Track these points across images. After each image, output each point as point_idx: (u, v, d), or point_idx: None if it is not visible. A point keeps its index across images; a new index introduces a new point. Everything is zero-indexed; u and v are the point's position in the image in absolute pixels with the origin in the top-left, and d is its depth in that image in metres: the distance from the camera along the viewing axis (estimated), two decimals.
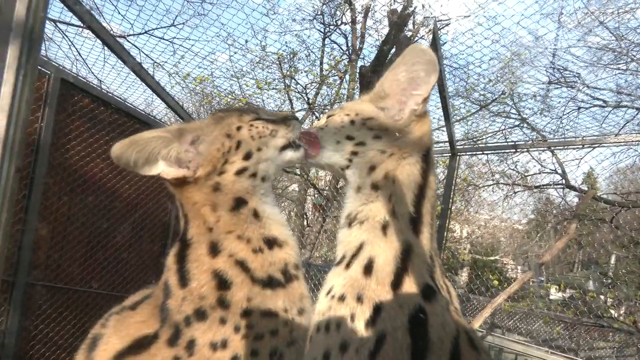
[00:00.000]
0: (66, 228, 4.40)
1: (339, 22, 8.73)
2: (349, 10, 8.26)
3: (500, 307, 4.90)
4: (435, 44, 3.46)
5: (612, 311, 7.54)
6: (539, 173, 7.91)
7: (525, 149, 5.01)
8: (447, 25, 4.87)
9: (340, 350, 0.91)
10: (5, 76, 1.05)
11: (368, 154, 1.12)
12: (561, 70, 7.17)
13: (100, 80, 5.72)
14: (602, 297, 8.40)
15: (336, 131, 1.16)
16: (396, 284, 0.96)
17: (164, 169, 1.12)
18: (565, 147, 4.85)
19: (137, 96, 5.55)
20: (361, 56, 8.55)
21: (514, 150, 5.04)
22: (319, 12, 8.16)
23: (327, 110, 9.07)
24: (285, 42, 8.36)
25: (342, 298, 0.97)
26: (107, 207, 4.73)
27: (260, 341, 1.05)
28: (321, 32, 8.79)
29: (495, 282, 6.48)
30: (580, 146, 4.54)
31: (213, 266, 1.08)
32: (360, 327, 0.92)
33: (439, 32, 3.67)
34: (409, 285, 0.96)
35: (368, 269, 0.99)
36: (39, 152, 4.04)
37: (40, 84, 4.06)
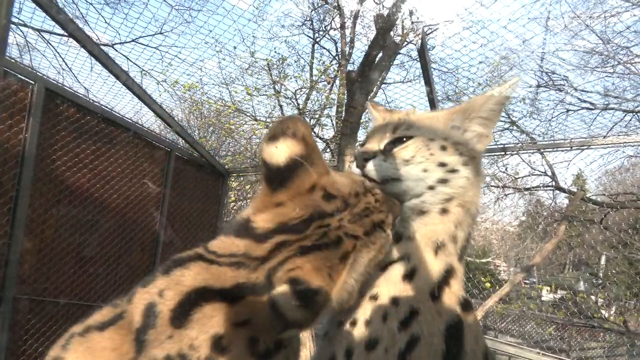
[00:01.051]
0: (54, 240, 4.33)
1: (328, 28, 8.75)
2: (338, 16, 8.29)
3: (492, 310, 4.91)
4: (423, 50, 3.46)
5: (603, 311, 7.59)
6: (529, 175, 7.97)
7: (515, 152, 5.04)
8: (435, 30, 4.89)
9: (366, 349, 0.89)
10: None
11: (459, 181, 1.03)
12: (549, 74, 7.24)
13: (87, 89, 5.67)
14: (592, 297, 8.47)
15: (424, 160, 1.03)
16: (435, 294, 0.95)
17: None
18: (555, 149, 4.89)
19: (124, 104, 5.49)
20: (351, 61, 8.57)
21: (503, 153, 5.07)
22: (308, 18, 8.17)
23: (316, 116, 9.06)
24: (274, 48, 8.37)
25: (374, 297, 0.95)
26: (96, 218, 4.66)
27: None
28: (310, 37, 8.80)
29: (487, 285, 6.49)
30: (569, 148, 4.57)
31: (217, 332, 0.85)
32: (392, 326, 0.90)
33: (427, 36, 3.68)
34: (448, 297, 0.95)
35: (409, 276, 0.96)
36: (24, 163, 3.98)
37: (24, 94, 4.00)
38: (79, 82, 5.62)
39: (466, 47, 4.52)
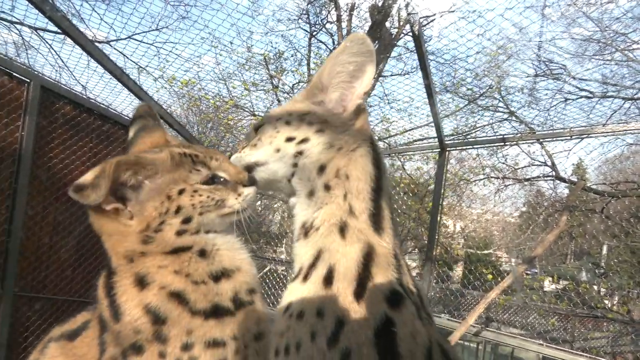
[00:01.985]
0: (52, 238, 4.33)
1: (325, 21, 8.70)
2: (333, 9, 8.23)
3: (495, 301, 4.90)
4: (419, 40, 3.43)
5: (606, 301, 7.59)
6: (529, 166, 7.94)
7: (514, 142, 5.02)
8: (431, 20, 4.85)
9: None
10: None
11: (314, 150, 1.02)
12: (547, 63, 7.19)
13: (84, 87, 5.64)
14: (595, 287, 8.46)
15: (272, 139, 1.07)
16: (359, 292, 0.86)
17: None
18: (554, 138, 4.86)
19: (120, 101, 5.47)
20: None
21: (503, 144, 5.04)
22: (304, 12, 8.12)
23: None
24: (271, 43, 8.31)
25: (300, 315, 0.87)
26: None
27: None
28: (307, 31, 8.75)
29: (490, 277, 6.47)
30: (569, 137, 4.54)
31: (143, 300, 1.00)
32: (322, 345, 0.82)
33: (423, 27, 3.65)
34: (374, 293, 0.87)
35: (328, 279, 0.89)
36: (21, 161, 3.97)
37: (20, 92, 3.99)
38: (75, 79, 5.60)
39: (463, 37, 4.48)
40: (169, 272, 1.03)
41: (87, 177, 0.95)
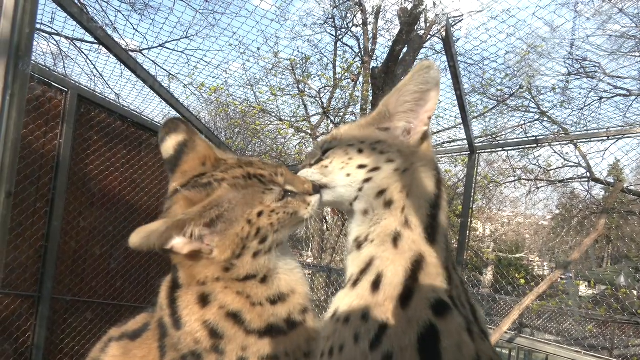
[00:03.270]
0: (88, 242, 4.46)
1: (350, 25, 8.70)
2: (359, 12, 8.23)
3: (528, 307, 4.76)
4: (448, 42, 3.38)
5: None
6: (562, 167, 7.71)
7: (548, 143, 4.88)
8: (460, 21, 4.78)
9: None
10: None
11: (382, 177, 1.06)
12: (580, 61, 6.99)
13: (118, 95, 5.81)
14: (635, 292, 8.12)
15: (344, 165, 1.10)
16: (405, 298, 0.87)
17: (178, 242, 1.04)
18: (590, 139, 4.70)
19: (152, 108, 5.61)
20: (374, 57, 8.49)
21: (535, 145, 4.91)
22: (330, 16, 8.14)
23: (341, 114, 9.03)
24: (297, 48, 8.37)
25: (346, 319, 0.90)
26: (128, 220, 4.77)
27: None
28: (332, 35, 8.77)
29: (522, 281, 6.30)
30: (606, 137, 4.38)
31: (203, 317, 1.05)
32: (364, 348, 0.83)
33: (452, 28, 3.60)
34: (419, 300, 0.86)
35: (376, 285, 0.91)
36: (59, 168, 4.11)
37: (58, 101, 4.14)
38: (110, 88, 5.78)
39: (493, 37, 4.39)
40: (232, 293, 1.08)
41: (152, 230, 0.99)
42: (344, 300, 0.94)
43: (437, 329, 0.82)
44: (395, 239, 0.98)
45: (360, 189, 1.08)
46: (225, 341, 1.03)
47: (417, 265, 0.92)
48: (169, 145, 1.23)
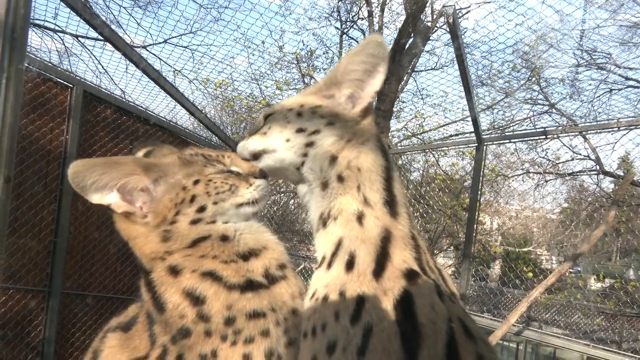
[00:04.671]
0: (96, 237, 4.49)
1: (356, 18, 8.63)
2: (365, 5, 8.16)
3: (536, 300, 4.73)
4: (455, 31, 3.34)
5: None
6: (572, 160, 7.63)
7: (557, 135, 4.82)
8: (467, 12, 4.72)
9: (327, 353, 0.86)
10: None
11: (325, 141, 1.07)
12: (590, 52, 6.89)
13: (123, 90, 5.81)
14: None
15: (282, 129, 1.11)
16: (378, 271, 0.91)
17: (116, 201, 1.10)
18: (600, 130, 4.63)
19: (157, 103, 5.61)
20: None
21: (544, 137, 4.86)
22: (335, 9, 8.09)
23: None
24: (302, 41, 8.33)
25: (325, 298, 0.93)
26: None
27: (251, 344, 1.03)
28: (338, 28, 8.71)
29: (530, 275, 6.26)
30: (616, 129, 4.32)
31: (180, 285, 1.05)
32: (345, 323, 0.86)
33: (458, 19, 3.55)
34: (392, 271, 0.91)
35: (350, 265, 0.94)
36: (66, 163, 4.13)
37: (64, 97, 4.15)
38: (115, 84, 5.79)
39: (502, 27, 4.33)
40: (195, 258, 1.09)
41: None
42: (321, 282, 0.97)
43: (410, 293, 0.86)
44: (360, 218, 1.00)
45: (304, 154, 1.09)
46: (208, 304, 1.03)
47: (386, 240, 0.96)
48: (139, 154, 1.31)
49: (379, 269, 0.91)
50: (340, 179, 1.04)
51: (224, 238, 1.13)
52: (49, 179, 4.05)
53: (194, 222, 1.11)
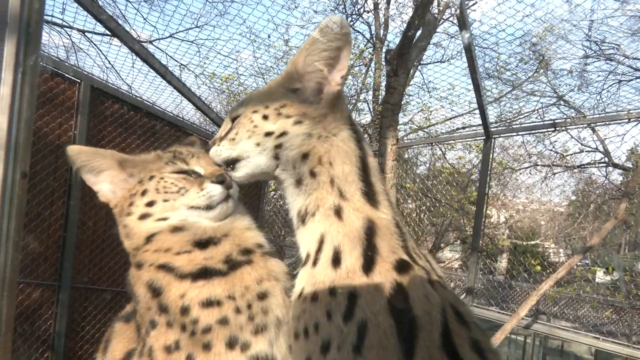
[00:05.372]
0: (105, 232, 4.52)
1: (361, 10, 8.58)
2: None
3: (545, 293, 4.71)
4: (463, 22, 3.31)
5: None
6: (580, 152, 7.58)
7: (567, 127, 4.78)
8: (475, 3, 4.67)
9: (321, 353, 0.83)
10: (3, 75, 1.00)
11: (293, 142, 1.03)
12: (598, 43, 6.81)
13: (130, 86, 5.82)
14: None
15: (251, 134, 1.07)
16: (367, 266, 0.88)
17: (101, 189, 1.24)
18: (610, 122, 4.59)
19: (164, 98, 5.62)
20: (385, 43, 8.38)
21: (552, 130, 4.82)
22: (341, 1, 8.04)
23: (353, 101, 8.96)
24: (308, 35, 8.27)
25: (314, 297, 0.89)
26: None
27: (209, 333, 1.02)
28: None
29: (538, 268, 6.23)
30: (627, 120, 4.28)
31: (142, 278, 1.12)
32: (338, 322, 0.84)
33: (466, 10, 3.52)
34: (381, 264, 0.88)
35: (336, 260, 0.91)
36: None
37: (72, 92, 4.16)
38: (122, 79, 5.80)
39: (511, 18, 4.28)
40: (151, 252, 1.14)
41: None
42: (308, 280, 0.93)
43: (403, 286, 0.84)
44: (338, 212, 0.97)
45: (276, 157, 1.06)
46: (164, 295, 1.07)
47: (370, 231, 0.93)
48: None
49: (368, 263, 0.89)
50: (313, 174, 1.01)
51: (176, 229, 1.16)
52: (58, 174, 4.08)
53: (143, 217, 1.18)
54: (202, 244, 1.14)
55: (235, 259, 1.12)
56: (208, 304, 1.05)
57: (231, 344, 1.02)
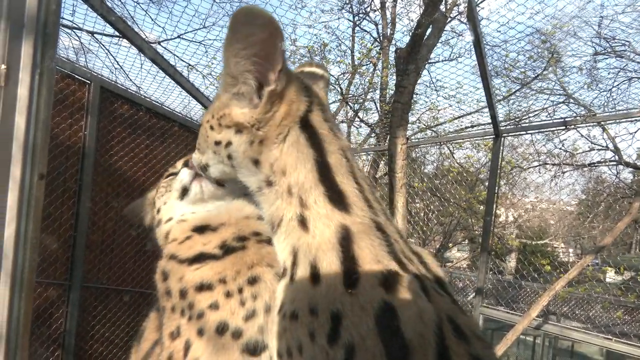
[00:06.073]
0: (115, 232, 4.54)
1: (368, 10, 8.56)
2: None
3: (555, 294, 4.67)
4: (472, 19, 3.29)
5: None
6: (590, 150, 7.50)
7: (576, 125, 4.74)
8: (483, 0, 4.66)
9: None
10: (20, 76, 1.00)
11: (238, 152, 0.97)
12: (608, 40, 6.75)
13: (138, 87, 5.85)
14: None
15: (207, 144, 1.05)
16: (349, 281, 0.79)
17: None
18: (622, 120, 4.53)
19: (173, 99, 5.64)
20: (392, 42, 8.36)
21: (563, 128, 4.78)
22: (347, 1, 8.02)
23: (360, 100, 8.95)
24: (315, 35, 8.28)
25: (294, 316, 0.82)
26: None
27: (202, 319, 1.03)
28: (350, 20, 8.65)
29: (547, 268, 6.18)
30: (638, 118, 4.22)
31: (159, 269, 1.21)
32: (322, 343, 0.76)
33: (476, 8, 3.49)
34: (365, 279, 0.78)
35: (315, 277, 0.82)
36: (85, 159, 4.18)
37: (82, 93, 4.19)
38: (130, 80, 5.82)
39: (521, 15, 4.25)
40: (166, 246, 1.26)
41: None
42: (287, 295, 0.86)
43: (392, 306, 0.75)
44: (303, 222, 0.88)
45: (232, 166, 1.02)
46: (169, 280, 1.14)
47: (346, 241, 0.83)
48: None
49: (350, 279, 0.79)
50: (269, 183, 0.94)
51: (180, 222, 1.28)
52: (69, 175, 4.11)
53: (158, 223, 1.34)
54: (200, 228, 1.21)
55: (230, 244, 1.15)
56: (200, 287, 1.07)
57: (221, 329, 1.02)
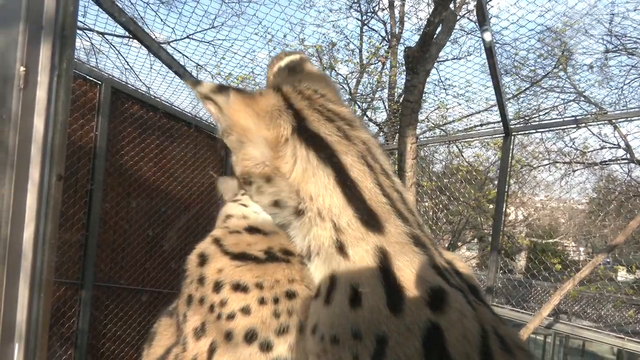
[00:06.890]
0: (126, 231, 4.59)
1: (376, 9, 8.55)
2: None
3: (566, 292, 4.64)
4: (482, 16, 3.27)
5: None
6: (601, 149, 7.43)
7: (585, 124, 4.69)
8: None
9: None
10: (39, 78, 1.01)
11: (257, 201, 0.99)
12: (620, 37, 6.68)
13: (148, 87, 5.89)
14: None
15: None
16: (394, 304, 0.77)
17: None
18: (631, 118, 4.48)
19: (182, 99, 5.68)
20: (401, 41, 8.33)
21: (574, 126, 4.73)
22: (355, 0, 8.01)
23: (368, 99, 8.94)
24: (323, 35, 8.28)
25: (334, 340, 0.80)
26: (162, 209, 4.88)
27: (231, 321, 0.94)
28: (359, 19, 8.64)
29: (558, 267, 6.13)
30: None
31: (198, 249, 1.09)
32: None
33: (486, 6, 3.48)
34: (411, 300, 0.77)
35: (355, 300, 0.81)
36: (96, 159, 4.22)
37: (93, 94, 4.24)
38: (141, 81, 5.87)
39: (532, 13, 4.21)
40: (221, 228, 1.17)
41: None
42: (322, 317, 0.84)
43: (439, 327, 0.75)
44: (341, 249, 0.86)
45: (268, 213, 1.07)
46: (207, 266, 1.03)
47: (385, 262, 0.82)
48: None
49: (394, 300, 0.78)
50: (298, 213, 0.91)
51: (229, 216, 1.21)
52: (80, 175, 4.15)
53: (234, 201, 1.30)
54: (251, 229, 1.14)
55: (275, 253, 1.08)
56: (237, 287, 0.99)
57: (249, 337, 0.95)
